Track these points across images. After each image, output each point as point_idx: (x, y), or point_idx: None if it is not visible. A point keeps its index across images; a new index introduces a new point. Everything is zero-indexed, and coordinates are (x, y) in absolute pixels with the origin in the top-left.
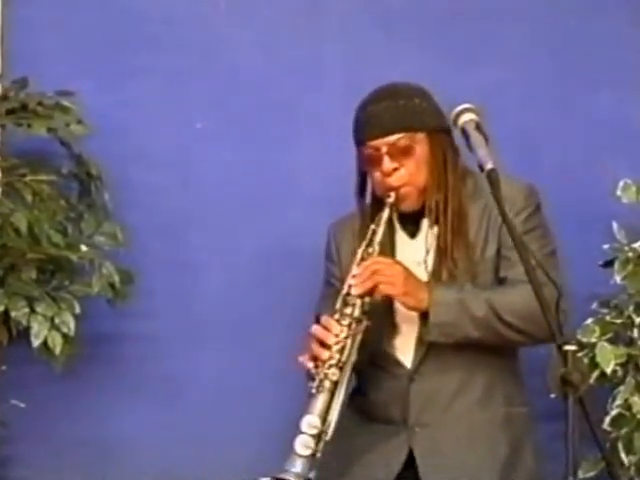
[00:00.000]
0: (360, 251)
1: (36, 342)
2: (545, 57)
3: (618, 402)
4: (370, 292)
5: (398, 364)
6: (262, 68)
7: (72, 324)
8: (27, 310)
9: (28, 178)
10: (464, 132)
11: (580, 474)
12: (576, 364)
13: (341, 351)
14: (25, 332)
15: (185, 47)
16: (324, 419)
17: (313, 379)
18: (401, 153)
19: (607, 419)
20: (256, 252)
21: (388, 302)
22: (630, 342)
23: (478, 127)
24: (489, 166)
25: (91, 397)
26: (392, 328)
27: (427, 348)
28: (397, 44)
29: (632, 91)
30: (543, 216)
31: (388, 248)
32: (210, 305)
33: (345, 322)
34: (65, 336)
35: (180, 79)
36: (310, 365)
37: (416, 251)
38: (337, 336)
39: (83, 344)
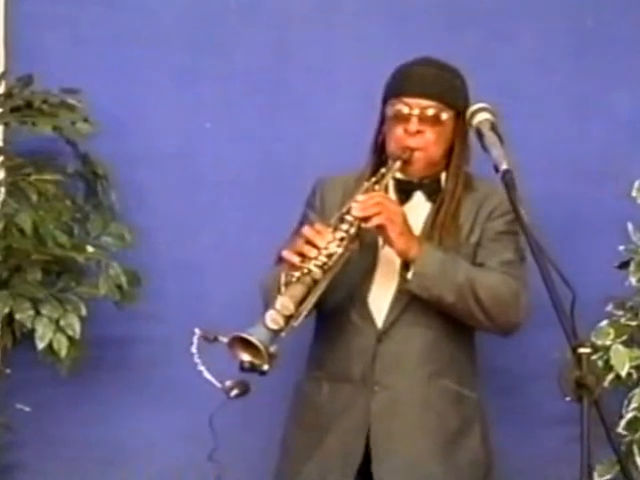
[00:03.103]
0: (367, 184)
1: (41, 345)
2: (562, 57)
3: (633, 405)
4: (368, 219)
5: (370, 320)
6: (272, 67)
7: (78, 326)
8: (32, 312)
9: (33, 177)
10: (478, 132)
11: (595, 477)
12: (591, 367)
13: (329, 257)
14: (30, 335)
15: (194, 45)
16: (296, 307)
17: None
18: (429, 120)
19: (622, 422)
20: (265, 253)
21: (373, 252)
22: None
23: (493, 127)
24: (504, 167)
25: (98, 401)
26: (370, 280)
27: (401, 311)
28: (410, 42)
29: None
30: None
31: None
32: (219, 307)
33: (338, 235)
34: (71, 339)
35: (189, 78)
36: (295, 260)
37: None
38: (328, 242)
39: (89, 347)
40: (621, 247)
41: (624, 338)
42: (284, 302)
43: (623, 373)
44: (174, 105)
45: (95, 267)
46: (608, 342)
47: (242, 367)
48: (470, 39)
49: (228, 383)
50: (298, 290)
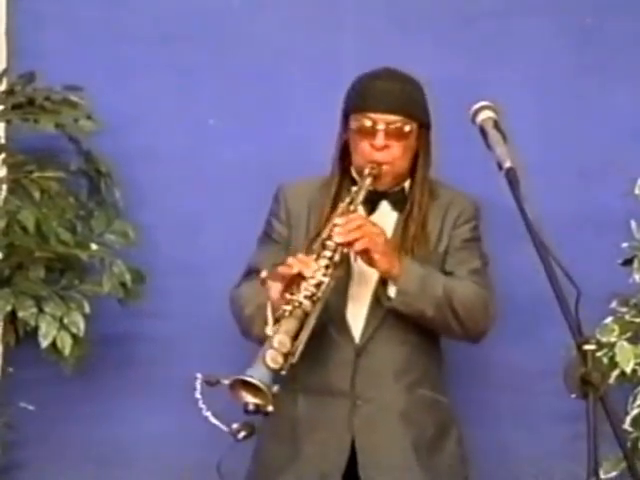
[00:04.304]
0: (342, 206)
1: (45, 343)
2: (562, 56)
3: (639, 402)
4: (350, 244)
5: (348, 335)
6: (276, 64)
7: (82, 324)
8: (35, 310)
9: (35, 175)
10: (482, 130)
11: (601, 474)
12: (596, 364)
13: (317, 286)
14: (33, 333)
15: (198, 42)
16: (292, 342)
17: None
18: (395, 133)
19: (628, 419)
20: None
21: (346, 265)
22: None
23: (496, 125)
24: (507, 165)
25: (102, 399)
26: (346, 294)
27: (377, 324)
28: (414, 41)
29: None
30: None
31: None
32: (223, 305)
33: (323, 263)
34: (74, 337)
35: (192, 75)
36: (279, 288)
37: None
38: (314, 271)
39: (93, 345)
40: (625, 244)
41: (629, 335)
42: (281, 339)
43: (628, 370)
44: (177, 102)
45: (99, 265)
46: (613, 339)
47: (246, 410)
48: (470, 38)
49: (235, 426)
50: (292, 325)
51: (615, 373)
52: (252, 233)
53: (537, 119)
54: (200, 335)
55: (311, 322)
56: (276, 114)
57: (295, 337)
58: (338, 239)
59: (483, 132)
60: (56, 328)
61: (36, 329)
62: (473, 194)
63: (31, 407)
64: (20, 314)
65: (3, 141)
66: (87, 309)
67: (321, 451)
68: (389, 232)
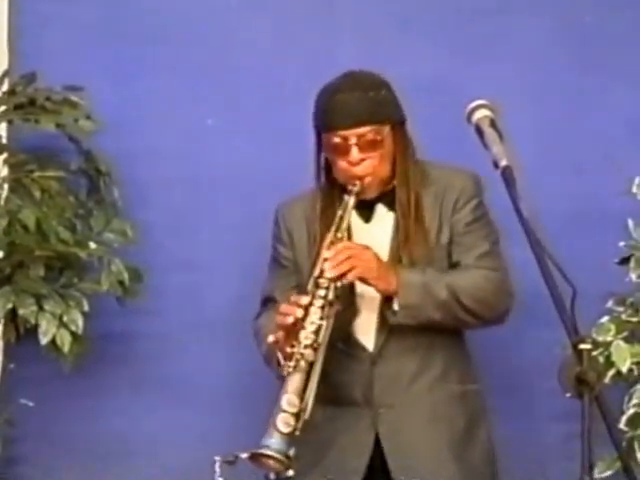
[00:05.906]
0: (329, 236)
1: (44, 340)
2: (560, 53)
3: (634, 401)
4: (343, 275)
5: (360, 347)
6: (274, 64)
7: (81, 322)
8: (35, 308)
9: (36, 174)
10: (478, 129)
11: (596, 474)
12: (591, 363)
13: (316, 332)
14: (33, 330)
15: (196, 42)
16: (301, 398)
17: (285, 359)
18: (369, 145)
19: (623, 418)
20: (267, 249)
21: (349, 286)
22: None
23: (492, 124)
24: (503, 163)
25: (100, 396)
26: (352, 311)
27: (389, 331)
28: (412, 39)
29: None
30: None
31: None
32: (221, 303)
33: (318, 304)
34: (74, 334)
35: (191, 75)
36: (279, 336)
37: (371, 235)
38: (311, 315)
39: (92, 342)
40: (621, 243)
41: (625, 334)
42: (290, 399)
43: (624, 369)
44: (176, 102)
45: (97, 263)
46: (609, 338)
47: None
48: (468, 36)
49: None
50: (297, 380)
51: (611, 372)
52: (250, 232)
53: (535, 117)
54: (197, 333)
55: (317, 370)
56: (275, 114)
57: (304, 390)
58: (330, 274)
59: (479, 131)
60: (55, 326)
61: (36, 326)
62: (469, 168)
63: (31, 403)
64: (20, 312)
65: (5, 141)
66: (86, 307)
67: (344, 456)
68: (389, 236)
